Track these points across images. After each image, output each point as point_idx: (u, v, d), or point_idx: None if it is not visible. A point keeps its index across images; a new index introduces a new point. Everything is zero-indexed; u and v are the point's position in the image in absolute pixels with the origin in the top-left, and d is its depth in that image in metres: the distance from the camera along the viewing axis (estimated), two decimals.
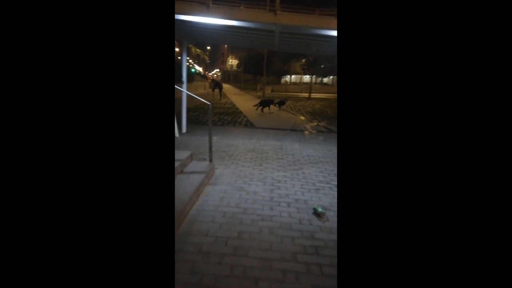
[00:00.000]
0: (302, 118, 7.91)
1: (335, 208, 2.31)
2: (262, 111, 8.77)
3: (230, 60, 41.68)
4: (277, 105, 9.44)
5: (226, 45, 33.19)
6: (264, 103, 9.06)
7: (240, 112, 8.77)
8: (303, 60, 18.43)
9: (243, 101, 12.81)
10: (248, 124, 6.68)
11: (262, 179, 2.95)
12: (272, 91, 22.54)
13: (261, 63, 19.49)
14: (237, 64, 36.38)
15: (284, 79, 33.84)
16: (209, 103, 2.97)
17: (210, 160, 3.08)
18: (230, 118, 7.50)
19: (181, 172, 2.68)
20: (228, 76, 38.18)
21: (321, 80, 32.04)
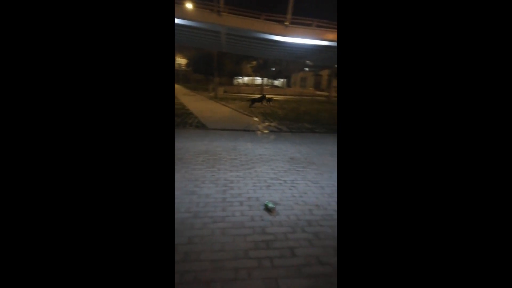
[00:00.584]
0: (256, 119, 8.11)
1: (285, 202, 2.45)
2: (253, 106, 10.93)
3: (178, 59, 39.66)
4: (265, 101, 11.59)
5: None
6: (256, 100, 11.28)
7: (191, 113, 8.45)
8: (254, 63, 18.93)
9: (194, 102, 12.34)
10: (200, 126, 6.48)
11: (214, 181, 2.91)
12: (225, 92, 22.41)
13: (212, 64, 19.16)
14: (186, 64, 34.85)
15: (236, 80, 34.08)
16: None
17: None
18: (179, 120, 7.13)
19: None
20: (176, 75, 36.21)
21: (272, 82, 33.51)
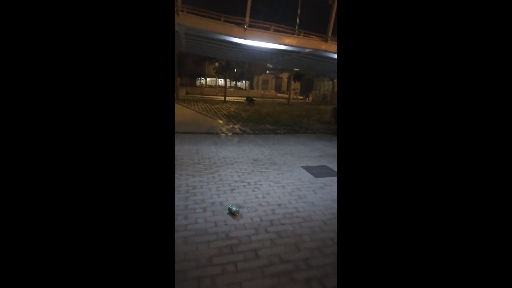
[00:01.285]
0: (220, 122, 8.00)
1: (249, 204, 2.48)
2: (251, 104, 13.44)
3: None
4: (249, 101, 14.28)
5: None
6: (250, 99, 14.27)
7: None
8: (216, 64, 18.66)
9: None
10: None
11: (175, 188, 2.79)
12: (187, 93, 21.60)
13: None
14: None
15: (199, 81, 33.11)
16: None
17: None
18: None
19: None
20: None
21: (235, 84, 33.54)
